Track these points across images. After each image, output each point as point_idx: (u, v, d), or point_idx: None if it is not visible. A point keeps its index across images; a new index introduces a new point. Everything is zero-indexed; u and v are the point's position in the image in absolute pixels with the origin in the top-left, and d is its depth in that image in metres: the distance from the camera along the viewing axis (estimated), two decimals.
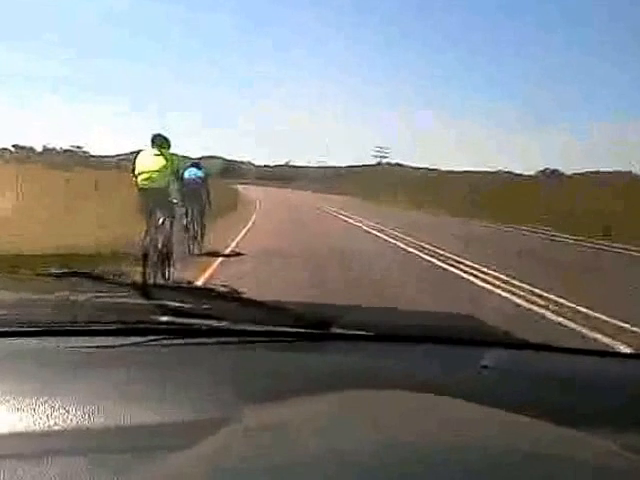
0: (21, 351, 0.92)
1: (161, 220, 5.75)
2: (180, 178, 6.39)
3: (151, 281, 5.36)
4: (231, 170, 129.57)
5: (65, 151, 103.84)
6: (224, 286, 5.39)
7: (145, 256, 5.41)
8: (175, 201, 6.20)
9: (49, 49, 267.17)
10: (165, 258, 5.89)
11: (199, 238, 8.45)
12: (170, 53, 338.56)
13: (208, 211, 8.73)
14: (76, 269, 1.37)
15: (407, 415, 0.63)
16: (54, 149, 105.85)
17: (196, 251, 8.23)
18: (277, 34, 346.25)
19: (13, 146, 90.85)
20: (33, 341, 0.96)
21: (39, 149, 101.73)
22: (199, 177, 8.23)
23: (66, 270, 1.33)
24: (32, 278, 1.49)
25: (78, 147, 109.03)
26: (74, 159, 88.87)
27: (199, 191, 8.18)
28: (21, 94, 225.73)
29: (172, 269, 6.08)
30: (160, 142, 5.87)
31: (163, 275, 5.87)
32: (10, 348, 0.93)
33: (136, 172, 5.72)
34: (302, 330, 1.03)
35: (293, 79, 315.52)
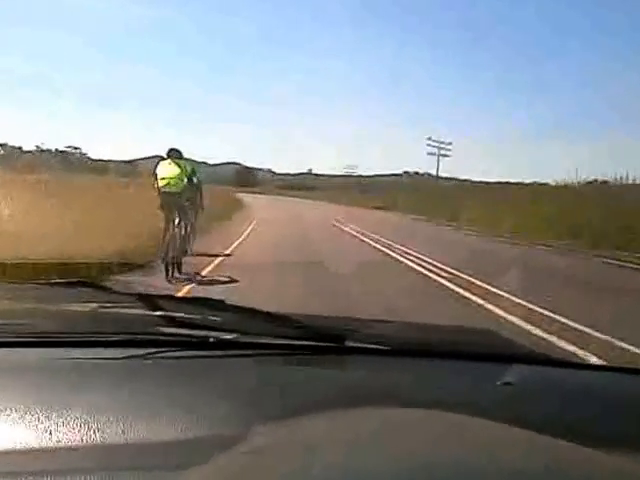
0: (23, 362, 0.90)
1: (178, 219, 6.91)
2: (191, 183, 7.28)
3: (171, 271, 6.59)
4: (248, 177, 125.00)
5: (60, 152, 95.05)
6: None
7: (166, 249, 6.56)
8: (187, 203, 7.25)
9: (50, 50, 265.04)
10: (181, 251, 7.07)
11: (192, 239, 8.75)
12: (187, 60, 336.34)
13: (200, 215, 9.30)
14: (80, 278, 1.29)
15: (429, 434, 0.61)
16: (49, 150, 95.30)
17: (189, 252, 8.29)
18: (302, 42, 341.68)
19: (0, 145, 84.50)
20: (36, 352, 0.95)
21: (31, 148, 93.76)
22: (193, 183, 8.38)
23: (70, 279, 1.26)
24: (34, 287, 1.32)
25: (75, 148, 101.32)
26: (69, 161, 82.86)
27: (195, 195, 8.32)
28: (18, 94, 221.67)
29: (180, 262, 7.02)
30: (175, 155, 6.99)
31: (179, 266, 6.89)
32: (12, 359, 0.92)
33: (158, 179, 6.80)
34: (316, 344, 1.00)
35: (315, 86, 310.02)
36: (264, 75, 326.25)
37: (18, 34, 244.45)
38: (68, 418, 0.68)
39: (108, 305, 1.08)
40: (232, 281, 6.50)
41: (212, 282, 6.54)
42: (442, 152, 41.64)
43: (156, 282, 5.99)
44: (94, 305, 1.07)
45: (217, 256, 8.67)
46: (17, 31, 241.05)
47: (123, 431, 0.66)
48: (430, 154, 41.11)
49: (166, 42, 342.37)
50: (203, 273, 7.23)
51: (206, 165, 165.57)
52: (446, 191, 36.13)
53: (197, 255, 8.33)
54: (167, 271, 6.60)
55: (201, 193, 8.66)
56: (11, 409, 0.69)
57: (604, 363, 3.41)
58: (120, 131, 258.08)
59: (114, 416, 0.69)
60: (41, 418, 0.68)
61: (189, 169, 7.12)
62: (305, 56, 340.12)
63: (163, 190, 6.81)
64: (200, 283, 6.56)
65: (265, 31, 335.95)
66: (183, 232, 7.28)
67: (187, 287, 6.16)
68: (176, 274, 6.81)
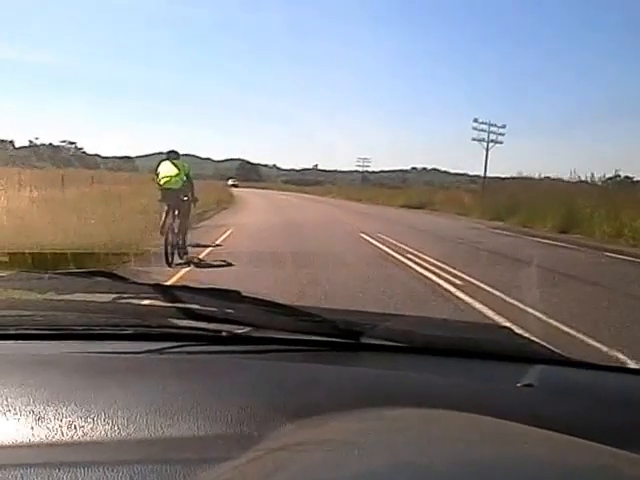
0: (43, 355, 0.89)
1: (177, 211, 7.48)
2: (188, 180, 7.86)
3: (170, 259, 7.05)
4: (251, 172, 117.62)
5: (54, 146, 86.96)
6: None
7: (166, 238, 7.12)
8: (185, 198, 7.73)
9: (52, 43, 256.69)
10: (181, 240, 7.53)
11: (187, 231, 8.98)
12: (191, 56, 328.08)
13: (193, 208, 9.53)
14: (94, 268, 1.30)
15: (450, 435, 0.61)
16: (43, 144, 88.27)
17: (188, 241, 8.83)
18: (307, 37, 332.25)
19: None
20: (54, 345, 0.95)
21: (24, 143, 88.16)
22: (189, 179, 8.95)
23: (85, 269, 1.25)
24: (52, 276, 1.22)
25: (70, 142, 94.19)
26: (60, 155, 78.78)
27: (189, 190, 8.73)
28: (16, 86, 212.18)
29: (186, 250, 7.68)
30: (173, 156, 7.70)
31: (179, 253, 7.43)
32: (31, 352, 0.92)
33: (159, 176, 7.52)
34: (331, 339, 0.99)
35: (321, 82, 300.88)
36: (268, 70, 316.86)
37: (20, 26, 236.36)
38: (91, 413, 0.67)
39: (125, 296, 1.08)
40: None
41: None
42: (495, 138, 30.84)
43: (157, 268, 6.41)
44: (111, 296, 1.08)
45: None
46: (19, 23, 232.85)
47: (144, 427, 0.65)
48: (476, 140, 30.56)
49: (171, 38, 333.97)
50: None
51: (211, 161, 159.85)
52: (493, 186, 26.86)
53: None
54: (167, 257, 6.97)
55: (192, 187, 8.66)
56: (34, 403, 0.69)
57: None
58: (124, 128, 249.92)
59: (136, 411, 0.68)
60: (64, 412, 0.67)
61: (186, 167, 7.75)
62: (313, 49, 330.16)
63: (164, 186, 7.49)
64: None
65: (271, 24, 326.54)
66: (182, 222, 7.61)
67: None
68: (177, 260, 7.20)
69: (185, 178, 7.60)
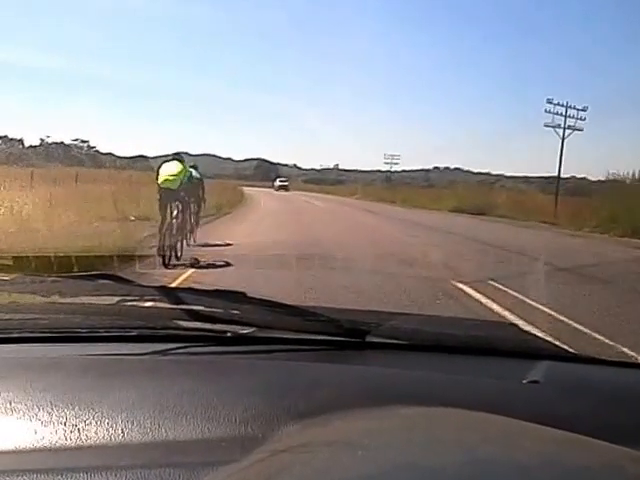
0: (42, 358, 0.89)
1: (175, 212, 7.56)
2: (190, 181, 8.08)
3: (167, 260, 6.87)
4: (271, 172, 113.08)
5: (65, 145, 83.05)
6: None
7: (163, 239, 7.12)
8: (186, 199, 7.93)
9: (62, 43, 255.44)
10: (178, 241, 7.60)
11: (195, 231, 9.18)
12: (211, 56, 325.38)
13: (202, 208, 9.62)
14: (99, 271, 1.32)
15: (457, 433, 0.61)
16: (54, 143, 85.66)
17: (191, 242, 8.80)
18: (321, 35, 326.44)
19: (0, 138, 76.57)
20: (58, 348, 0.95)
21: (35, 142, 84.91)
22: (196, 178, 8.84)
23: (89, 272, 1.22)
24: (55, 279, 1.24)
25: (83, 141, 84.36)
26: (69, 154, 76.11)
27: (196, 190, 8.87)
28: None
29: (182, 251, 7.62)
30: (178, 158, 7.81)
31: (176, 255, 7.32)
32: (34, 355, 0.92)
33: (159, 176, 7.54)
34: (336, 339, 0.99)
35: (341, 80, 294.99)
36: (288, 70, 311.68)
37: (32, 24, 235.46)
38: (95, 416, 0.66)
39: (128, 298, 1.06)
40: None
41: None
42: (573, 126, 23.71)
43: (154, 270, 6.15)
44: (115, 299, 1.06)
45: None
46: (31, 21, 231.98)
47: (150, 430, 0.65)
48: (550, 126, 23.56)
49: (186, 38, 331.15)
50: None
51: (231, 161, 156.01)
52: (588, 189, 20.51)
53: None
54: (163, 258, 6.85)
55: (203, 188, 9.09)
56: (38, 406, 0.68)
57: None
58: (141, 128, 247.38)
59: (140, 414, 0.67)
60: (68, 416, 0.66)
61: (189, 169, 7.98)
62: (332, 49, 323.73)
63: (162, 186, 7.42)
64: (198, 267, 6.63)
65: (288, 20, 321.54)
66: (180, 223, 7.70)
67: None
68: (174, 261, 7.07)
69: (186, 180, 7.71)
